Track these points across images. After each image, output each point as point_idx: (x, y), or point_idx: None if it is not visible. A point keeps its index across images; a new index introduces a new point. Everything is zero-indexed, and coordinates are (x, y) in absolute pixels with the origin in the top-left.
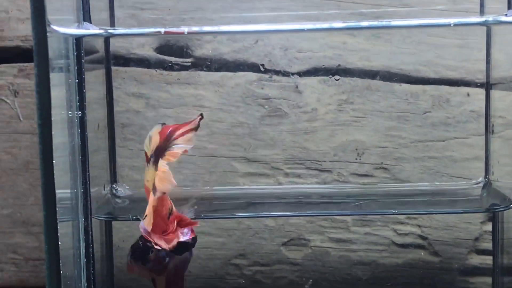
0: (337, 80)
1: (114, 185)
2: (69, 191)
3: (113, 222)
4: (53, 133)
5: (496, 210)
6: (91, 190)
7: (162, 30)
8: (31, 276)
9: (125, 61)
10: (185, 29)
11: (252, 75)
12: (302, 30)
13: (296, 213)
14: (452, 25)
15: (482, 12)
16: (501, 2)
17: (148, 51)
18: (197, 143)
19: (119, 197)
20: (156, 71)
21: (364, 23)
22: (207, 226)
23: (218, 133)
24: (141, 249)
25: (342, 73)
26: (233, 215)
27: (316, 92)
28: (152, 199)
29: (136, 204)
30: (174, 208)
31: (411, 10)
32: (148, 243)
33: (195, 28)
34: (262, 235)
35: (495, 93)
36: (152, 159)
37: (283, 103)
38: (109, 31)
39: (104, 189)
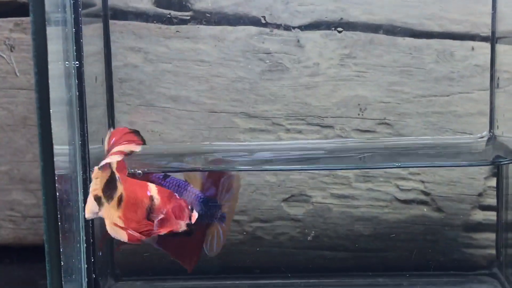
0: (339, 32)
1: None
2: (67, 145)
3: None
4: (50, 84)
5: (501, 162)
6: (90, 146)
7: None
8: (29, 234)
9: (123, 14)
10: None
11: (252, 29)
12: None
13: (298, 167)
14: None
15: None
16: None
17: (146, 4)
18: (196, 98)
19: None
20: (155, 24)
21: None
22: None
23: (218, 88)
24: None
25: (344, 27)
26: (233, 168)
27: (318, 46)
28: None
29: (135, 158)
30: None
31: None
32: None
33: None
34: (263, 191)
35: (500, 47)
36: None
37: (284, 57)
38: None
39: (102, 145)
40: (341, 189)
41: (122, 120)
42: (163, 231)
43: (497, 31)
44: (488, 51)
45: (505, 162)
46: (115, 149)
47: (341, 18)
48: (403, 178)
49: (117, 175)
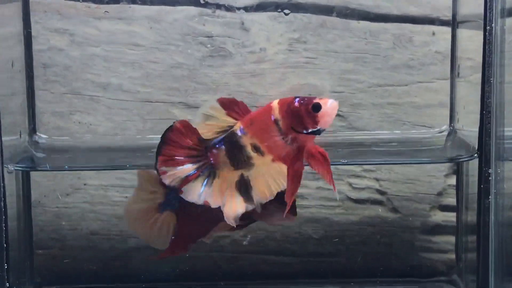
0: (286, 14)
1: (33, 134)
2: None
3: (32, 175)
4: None
5: (460, 160)
6: (6, 138)
7: None
8: None
9: None
10: None
11: (192, 10)
12: None
13: None
14: None
15: None
16: None
17: None
18: (129, 86)
19: (38, 146)
20: (83, 3)
21: None
22: None
23: (153, 75)
24: None
25: (294, 8)
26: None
27: (265, 29)
28: None
29: (58, 155)
30: None
31: None
32: None
33: None
34: None
35: (463, 32)
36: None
37: (227, 41)
38: None
39: (21, 137)
40: None
41: (45, 110)
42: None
43: (459, 14)
44: (450, 36)
45: (465, 159)
46: None
47: (290, 0)
48: (357, 176)
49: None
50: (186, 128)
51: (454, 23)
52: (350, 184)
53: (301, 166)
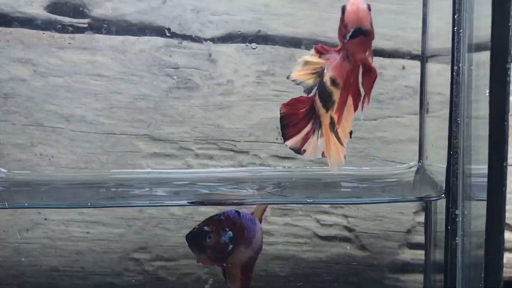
0: (254, 48)
1: None
2: None
3: None
4: None
5: (429, 199)
6: None
7: None
8: None
9: (9, 20)
10: None
11: (159, 40)
12: None
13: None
14: None
15: None
16: None
17: (37, 9)
18: (93, 118)
19: None
20: (45, 33)
21: None
22: (102, 215)
23: (118, 106)
24: (196, 234)
25: (262, 41)
26: (132, 204)
27: (233, 61)
28: None
29: (20, 188)
30: None
31: None
32: (206, 227)
33: None
34: (167, 225)
35: (432, 66)
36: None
37: (194, 73)
38: None
39: None
40: None
41: (6, 141)
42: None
43: (429, 49)
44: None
45: (433, 199)
46: None
47: (259, 31)
48: (325, 212)
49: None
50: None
51: (423, 58)
52: (318, 221)
53: (356, 81)
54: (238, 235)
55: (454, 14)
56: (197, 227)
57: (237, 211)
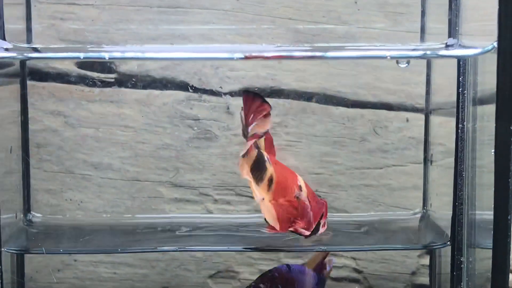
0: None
1: (27, 212)
2: None
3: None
4: None
5: (434, 247)
6: (3, 215)
7: (82, 55)
8: None
9: (43, 75)
10: (106, 55)
11: (180, 94)
12: (232, 59)
13: (225, 247)
14: (388, 58)
15: (422, 38)
16: (445, 22)
17: (68, 66)
18: (119, 166)
19: (33, 225)
20: (77, 86)
21: (296, 53)
22: (128, 256)
23: (142, 155)
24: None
25: (276, 95)
26: (156, 249)
27: None
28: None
29: (52, 232)
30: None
31: (349, 29)
32: (261, 285)
33: (117, 54)
34: (188, 266)
35: (435, 119)
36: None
37: (213, 124)
38: (25, 54)
39: (16, 217)
40: (270, 265)
41: (39, 187)
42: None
43: (432, 102)
44: (423, 122)
45: (438, 247)
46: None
47: (273, 86)
48: (335, 255)
49: (265, 155)
50: None
51: (427, 111)
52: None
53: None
54: None
55: (459, 77)
56: (253, 284)
57: (287, 265)
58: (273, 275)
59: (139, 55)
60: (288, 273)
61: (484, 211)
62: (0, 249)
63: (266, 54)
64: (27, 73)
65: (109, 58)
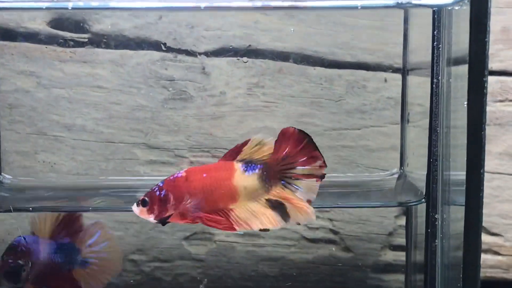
0: (245, 62)
1: None
2: None
3: None
4: None
5: (409, 204)
6: None
7: (44, 5)
8: None
9: (14, 35)
10: (69, 4)
11: (155, 54)
12: (198, 8)
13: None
14: (359, 7)
15: None
16: None
17: (40, 25)
18: (93, 127)
19: (4, 186)
20: (47, 47)
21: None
22: (102, 219)
23: (116, 116)
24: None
25: (252, 55)
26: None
27: (225, 74)
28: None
29: (23, 194)
30: None
31: None
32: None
33: (81, 3)
34: (163, 228)
35: (413, 79)
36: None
37: (188, 85)
38: None
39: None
40: None
41: (11, 149)
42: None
43: (410, 62)
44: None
45: (413, 204)
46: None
47: (249, 45)
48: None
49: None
50: None
51: (404, 71)
52: (305, 224)
53: None
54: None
55: (434, 30)
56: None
57: (24, 237)
58: (15, 249)
59: (112, 4)
60: (25, 245)
61: (458, 171)
62: None
63: (237, 4)
64: None
65: (72, 8)
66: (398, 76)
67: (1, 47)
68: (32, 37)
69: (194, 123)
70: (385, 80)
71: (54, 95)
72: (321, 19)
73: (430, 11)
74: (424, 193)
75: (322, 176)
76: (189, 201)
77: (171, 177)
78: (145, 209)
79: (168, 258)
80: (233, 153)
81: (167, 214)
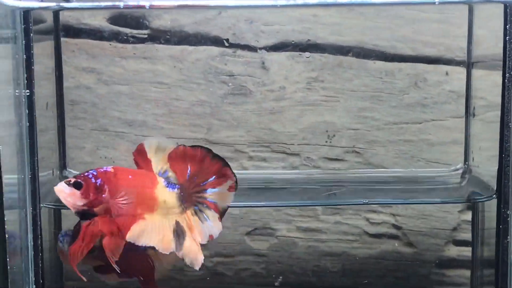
0: (307, 57)
1: (63, 169)
2: (15, 176)
3: (62, 210)
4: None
5: (478, 200)
6: (40, 173)
7: (121, 4)
8: None
9: (76, 32)
10: (146, 4)
11: (214, 50)
12: (275, 6)
13: (263, 203)
14: (436, 3)
15: None
16: None
17: (100, 21)
18: (153, 123)
19: None
20: (110, 44)
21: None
22: None
23: (177, 112)
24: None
25: (312, 49)
26: None
27: (284, 69)
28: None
29: None
30: None
31: None
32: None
33: (157, 2)
34: (225, 223)
35: (476, 72)
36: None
37: (248, 80)
38: (61, 4)
39: (53, 174)
40: (308, 222)
41: (73, 145)
42: None
43: (474, 55)
44: (463, 76)
45: (482, 200)
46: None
47: (308, 40)
48: (373, 211)
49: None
50: None
51: (469, 65)
52: (367, 219)
53: None
54: None
55: (505, 24)
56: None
57: None
58: None
59: (187, 2)
60: None
61: None
62: (39, 205)
63: (308, 1)
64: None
65: (150, 7)
66: (460, 70)
67: (63, 44)
68: (93, 33)
69: (254, 118)
70: (447, 73)
71: (115, 91)
72: (381, 12)
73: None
74: (494, 189)
75: (235, 186)
76: (119, 197)
77: (101, 169)
78: (77, 192)
79: (230, 253)
80: (142, 163)
81: (99, 205)
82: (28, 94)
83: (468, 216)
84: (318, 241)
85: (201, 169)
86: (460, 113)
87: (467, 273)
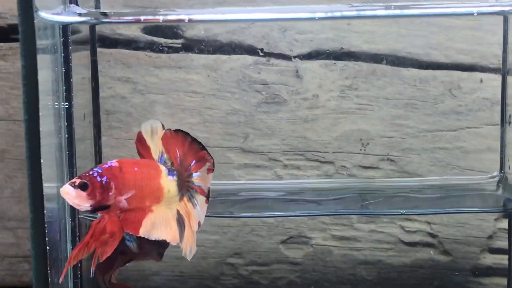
0: (342, 67)
1: None
2: (55, 187)
3: None
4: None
5: None
6: None
7: (161, 18)
8: (7, 275)
9: (111, 42)
10: (185, 17)
11: (248, 58)
12: (313, 19)
13: (299, 212)
14: (475, 14)
15: None
16: None
17: (135, 32)
18: (188, 131)
19: None
20: (145, 54)
21: (379, 11)
22: None
23: (211, 121)
24: None
25: (345, 57)
26: (230, 214)
27: (318, 77)
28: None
29: None
30: None
31: None
32: None
33: (196, 16)
34: (259, 232)
35: (510, 80)
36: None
37: (281, 89)
38: (98, 18)
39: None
40: (343, 230)
41: (108, 154)
42: None
43: (508, 63)
44: (498, 83)
45: None
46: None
47: (342, 48)
48: (408, 219)
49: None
50: None
51: (504, 71)
52: (403, 227)
53: None
54: None
55: None
56: None
57: None
58: None
59: (226, 16)
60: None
61: None
62: (78, 216)
63: (346, 14)
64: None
65: (188, 21)
66: (494, 77)
67: (98, 54)
68: (127, 43)
69: (288, 127)
70: (481, 81)
71: (150, 101)
72: (414, 20)
73: None
74: None
75: (212, 169)
76: (127, 193)
77: (106, 165)
78: (84, 193)
79: (265, 261)
80: (144, 150)
81: (107, 204)
82: (67, 106)
83: (504, 224)
84: (353, 250)
85: (185, 153)
86: (495, 120)
87: (504, 281)
